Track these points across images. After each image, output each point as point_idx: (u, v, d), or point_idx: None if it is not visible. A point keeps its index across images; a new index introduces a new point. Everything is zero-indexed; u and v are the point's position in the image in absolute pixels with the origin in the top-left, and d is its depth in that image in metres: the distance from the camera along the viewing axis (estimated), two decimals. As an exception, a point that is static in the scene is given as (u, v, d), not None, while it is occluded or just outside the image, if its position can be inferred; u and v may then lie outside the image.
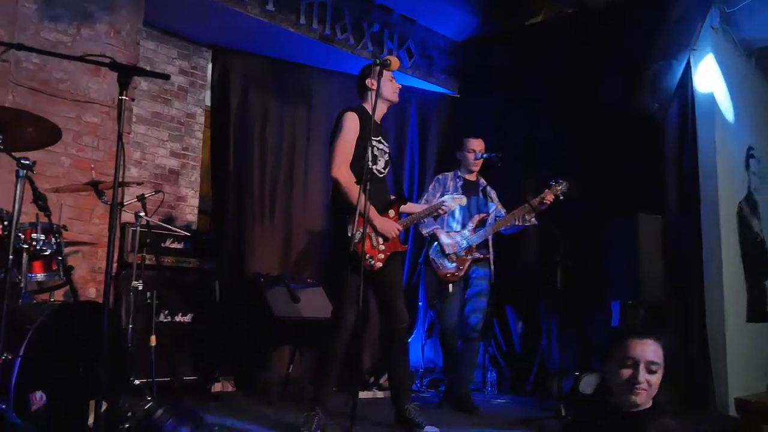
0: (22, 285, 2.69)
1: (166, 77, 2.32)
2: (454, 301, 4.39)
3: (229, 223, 5.17)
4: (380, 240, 3.50)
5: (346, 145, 3.41)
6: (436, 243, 4.40)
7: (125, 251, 4.43)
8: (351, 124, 3.43)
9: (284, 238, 5.44)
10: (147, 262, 4.46)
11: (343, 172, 3.39)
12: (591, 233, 4.85)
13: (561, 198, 4.35)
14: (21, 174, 2.34)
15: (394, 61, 3.30)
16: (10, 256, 2.35)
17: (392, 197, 3.71)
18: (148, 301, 4.21)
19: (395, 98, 3.66)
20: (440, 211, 3.80)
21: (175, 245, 4.63)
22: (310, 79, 5.75)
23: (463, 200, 3.91)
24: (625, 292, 4.66)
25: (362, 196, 3.09)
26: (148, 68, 4.96)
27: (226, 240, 5.10)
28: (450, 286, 4.36)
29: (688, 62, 4.89)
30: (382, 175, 3.62)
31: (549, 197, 4.34)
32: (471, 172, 4.61)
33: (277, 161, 5.50)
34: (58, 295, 3.57)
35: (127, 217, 4.67)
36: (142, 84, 4.89)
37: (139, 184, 3.69)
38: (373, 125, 3.42)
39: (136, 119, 4.83)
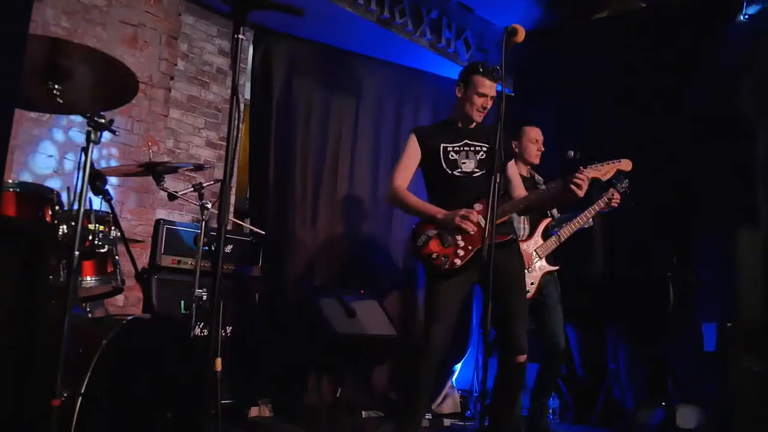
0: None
1: (298, 12, 1.73)
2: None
3: (269, 226, 4.56)
4: (457, 237, 2.97)
5: (399, 169, 3.20)
6: None
7: (158, 251, 3.82)
8: (407, 148, 3.24)
9: (328, 244, 4.84)
10: (181, 265, 3.88)
11: (391, 194, 3.19)
12: (673, 244, 4.36)
13: (624, 195, 3.84)
14: (93, 138, 1.72)
15: (521, 31, 2.73)
16: (76, 253, 1.73)
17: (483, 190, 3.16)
18: (185, 311, 3.62)
19: (476, 117, 3.17)
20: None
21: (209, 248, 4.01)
22: (359, 69, 5.18)
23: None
24: (720, 313, 4.16)
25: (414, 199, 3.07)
26: (185, 46, 4.37)
27: (266, 244, 4.49)
28: None
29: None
30: (476, 175, 3.13)
31: (617, 197, 3.81)
32: (528, 165, 4.02)
33: (320, 160, 4.92)
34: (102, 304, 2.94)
35: (159, 212, 4.08)
36: (179, 63, 4.27)
37: (205, 167, 3.03)
38: (455, 131, 3.20)
39: (171, 102, 4.22)
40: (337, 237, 4.89)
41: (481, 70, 3.10)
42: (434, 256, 2.93)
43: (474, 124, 3.20)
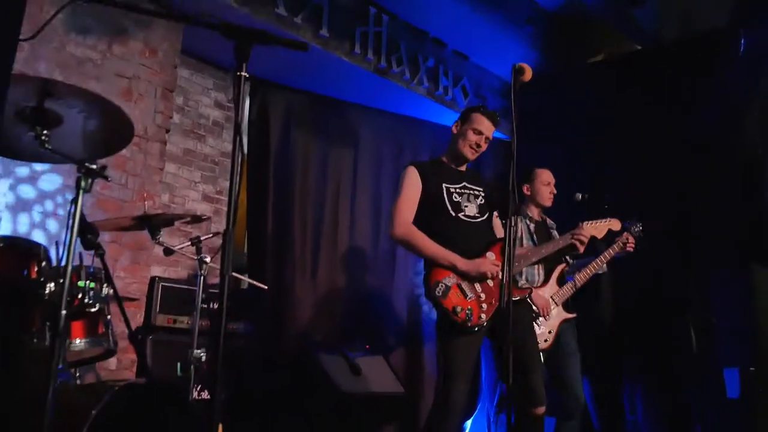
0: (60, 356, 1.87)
1: (303, 47, 1.64)
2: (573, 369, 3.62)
3: (268, 280, 4.39)
4: (477, 289, 2.81)
5: (404, 202, 2.97)
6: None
7: (153, 310, 3.65)
8: (408, 180, 3.01)
9: (329, 298, 4.66)
10: (177, 324, 3.72)
11: (401, 229, 2.93)
12: (686, 283, 4.23)
13: (638, 239, 3.73)
14: (84, 185, 1.58)
15: (528, 70, 2.66)
16: (63, 313, 1.57)
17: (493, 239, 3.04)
18: (181, 374, 3.42)
19: (468, 154, 3.08)
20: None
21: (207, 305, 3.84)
22: (356, 119, 5.12)
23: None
24: (741, 357, 3.98)
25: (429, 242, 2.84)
26: (180, 99, 4.29)
27: (264, 300, 4.32)
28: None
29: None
30: (478, 220, 3.02)
31: (631, 242, 3.69)
32: (539, 208, 3.88)
33: (320, 211, 4.79)
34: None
35: (154, 270, 3.92)
36: (174, 116, 4.19)
37: (203, 218, 2.90)
38: (453, 172, 3.09)
39: (167, 156, 4.11)
40: (339, 290, 4.72)
41: (481, 109, 3.05)
42: (458, 310, 2.75)
43: (465, 166, 3.12)
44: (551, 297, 3.61)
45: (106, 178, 1.65)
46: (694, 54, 4.64)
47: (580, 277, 3.67)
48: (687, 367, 4.37)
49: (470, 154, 3.04)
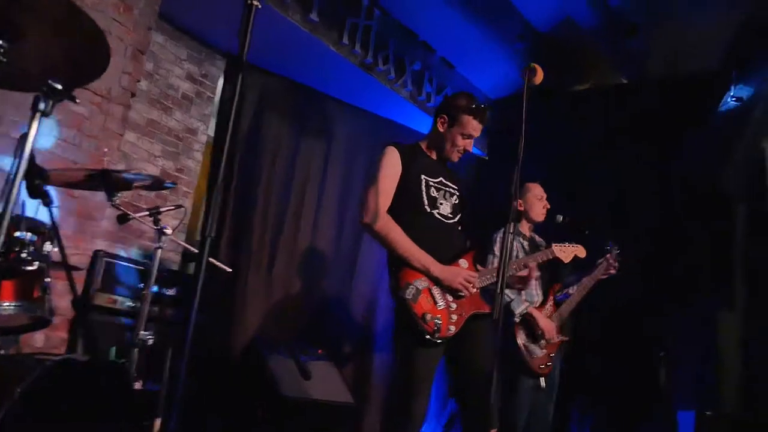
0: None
1: None
2: (543, 400, 3.42)
3: (221, 271, 4.09)
4: (448, 297, 2.57)
5: (381, 187, 2.63)
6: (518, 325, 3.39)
7: (92, 286, 3.32)
8: (387, 163, 2.68)
9: (284, 296, 4.40)
10: (118, 305, 3.41)
11: (375, 217, 2.58)
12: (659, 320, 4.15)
13: (620, 263, 3.59)
14: (43, 107, 1.29)
15: (540, 71, 2.48)
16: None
17: (468, 245, 2.81)
18: (114, 359, 3.12)
19: (454, 157, 2.82)
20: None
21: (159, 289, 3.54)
22: (333, 114, 4.90)
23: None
24: (697, 401, 3.90)
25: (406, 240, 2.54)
26: (150, 65, 3.99)
27: (215, 291, 4.02)
28: (542, 380, 3.39)
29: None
30: (450, 221, 2.74)
31: (614, 263, 3.55)
32: (531, 224, 3.67)
33: (284, 204, 4.54)
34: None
35: (99, 243, 3.59)
36: (142, 82, 3.88)
37: (168, 185, 2.57)
38: (432, 164, 2.78)
39: (128, 123, 3.79)
40: (295, 289, 4.47)
41: (473, 107, 2.72)
42: (428, 318, 2.46)
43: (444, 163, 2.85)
44: (551, 317, 3.43)
45: (73, 99, 1.37)
46: (684, 93, 4.61)
47: (575, 299, 3.50)
48: (640, 406, 4.28)
49: (455, 158, 2.80)
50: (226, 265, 4.12)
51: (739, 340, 3.97)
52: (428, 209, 2.66)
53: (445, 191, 2.77)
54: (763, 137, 4.14)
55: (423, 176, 2.70)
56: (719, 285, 4.18)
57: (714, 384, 3.93)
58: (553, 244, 3.14)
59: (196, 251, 3.18)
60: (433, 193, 2.71)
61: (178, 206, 2.67)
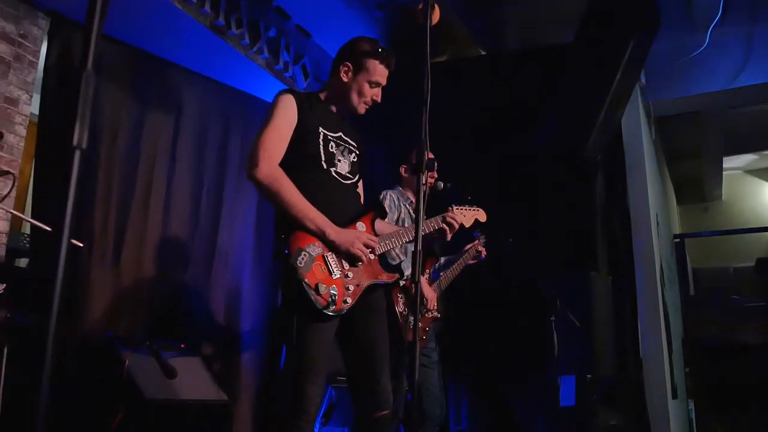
0: None
1: None
2: (428, 375, 3.26)
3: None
4: (345, 264, 2.33)
5: (273, 136, 2.36)
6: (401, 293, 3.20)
7: None
8: (281, 109, 2.40)
9: (134, 287, 3.90)
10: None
11: (265, 169, 2.30)
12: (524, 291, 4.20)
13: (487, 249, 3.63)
14: None
15: (438, 10, 2.26)
16: None
17: (365, 208, 2.59)
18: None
19: (360, 109, 2.55)
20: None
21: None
22: (181, 85, 4.43)
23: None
24: (577, 366, 4.01)
25: (302, 200, 2.27)
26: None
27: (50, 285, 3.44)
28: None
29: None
30: (348, 181, 2.51)
31: (483, 251, 3.57)
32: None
33: (129, 187, 4.03)
34: None
35: None
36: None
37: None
38: (332, 117, 2.54)
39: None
40: (146, 279, 3.98)
41: (379, 50, 2.48)
42: (322, 289, 2.19)
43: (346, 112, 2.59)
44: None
45: None
46: (542, 63, 4.68)
47: (444, 280, 3.42)
48: (516, 375, 4.33)
49: (362, 111, 2.53)
50: (66, 260, 3.58)
51: (611, 307, 4.12)
52: (325, 166, 2.41)
53: (345, 147, 2.51)
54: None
55: (321, 129, 2.44)
56: (588, 252, 4.34)
57: (592, 348, 4.04)
58: (454, 207, 2.97)
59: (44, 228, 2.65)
60: (332, 148, 2.45)
61: (7, 171, 2.16)
